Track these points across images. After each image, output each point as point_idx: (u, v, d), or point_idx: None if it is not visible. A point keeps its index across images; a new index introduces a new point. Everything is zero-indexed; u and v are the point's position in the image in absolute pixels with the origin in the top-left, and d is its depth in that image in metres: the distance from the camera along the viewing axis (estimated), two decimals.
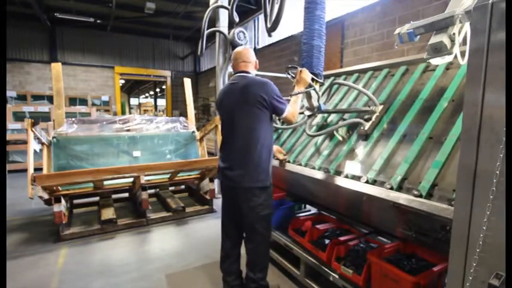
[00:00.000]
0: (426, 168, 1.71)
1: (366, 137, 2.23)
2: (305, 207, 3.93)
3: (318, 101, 2.50)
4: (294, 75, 2.50)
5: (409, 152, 1.86)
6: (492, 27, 1.03)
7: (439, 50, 1.51)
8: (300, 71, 2.39)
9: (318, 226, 2.76)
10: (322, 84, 2.67)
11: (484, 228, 1.04)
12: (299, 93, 2.31)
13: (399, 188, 1.77)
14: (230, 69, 5.50)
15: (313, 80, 2.40)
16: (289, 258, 2.84)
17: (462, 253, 1.13)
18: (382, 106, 2.30)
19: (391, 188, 1.77)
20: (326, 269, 2.37)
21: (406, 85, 2.28)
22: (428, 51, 1.56)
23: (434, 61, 1.74)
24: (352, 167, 2.16)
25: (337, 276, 2.27)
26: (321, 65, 2.53)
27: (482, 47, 1.06)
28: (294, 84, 2.40)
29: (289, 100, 2.32)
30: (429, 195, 1.62)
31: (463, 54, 1.53)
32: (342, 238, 2.52)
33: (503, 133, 0.99)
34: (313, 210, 3.61)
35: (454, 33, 1.45)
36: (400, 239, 2.28)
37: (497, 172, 1.01)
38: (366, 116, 2.33)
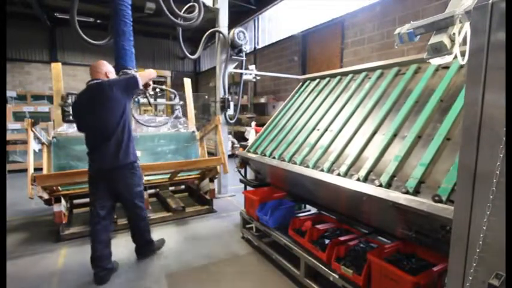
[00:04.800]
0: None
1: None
2: (305, 207, 3.94)
3: None
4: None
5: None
6: (492, 27, 1.03)
7: (439, 50, 1.50)
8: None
9: (318, 226, 2.76)
10: None
11: (484, 228, 1.04)
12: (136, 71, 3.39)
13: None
14: (230, 69, 5.51)
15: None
16: (289, 258, 2.84)
17: (462, 253, 1.13)
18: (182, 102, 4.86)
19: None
20: (326, 269, 2.37)
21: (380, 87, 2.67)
22: (428, 51, 1.56)
23: (434, 61, 1.74)
24: None
25: (337, 276, 2.27)
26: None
27: (482, 47, 1.06)
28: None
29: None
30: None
31: (463, 54, 1.53)
32: (342, 238, 2.52)
33: (503, 133, 0.99)
34: (313, 210, 3.62)
35: (454, 33, 1.44)
36: (400, 239, 2.29)
37: (497, 172, 1.01)
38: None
